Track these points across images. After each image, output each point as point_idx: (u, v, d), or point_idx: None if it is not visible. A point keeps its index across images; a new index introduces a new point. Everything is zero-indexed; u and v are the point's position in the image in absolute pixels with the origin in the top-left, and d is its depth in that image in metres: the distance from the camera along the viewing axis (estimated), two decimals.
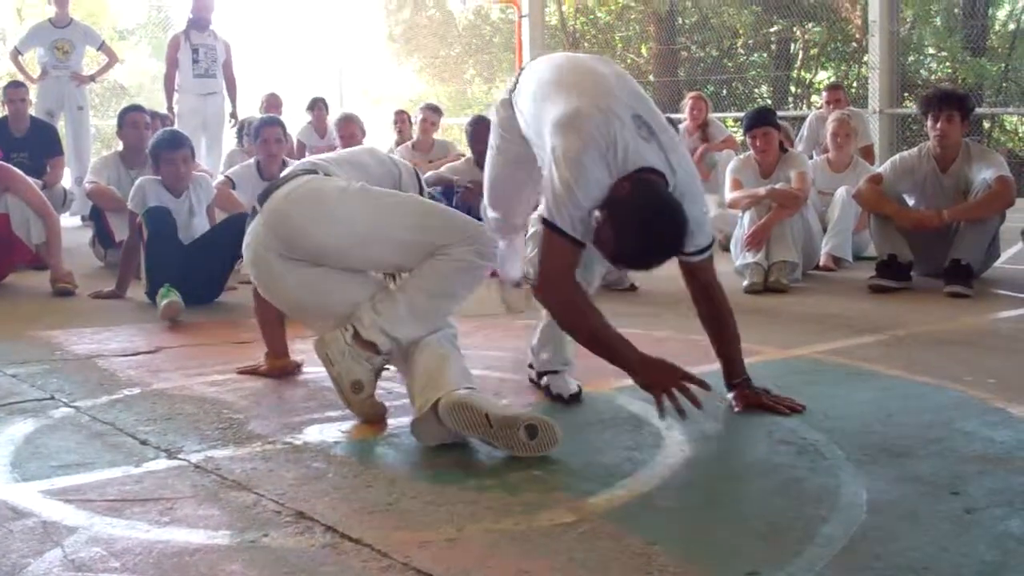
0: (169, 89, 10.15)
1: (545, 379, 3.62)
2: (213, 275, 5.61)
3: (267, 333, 3.82)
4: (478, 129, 7.24)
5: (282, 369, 3.85)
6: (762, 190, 6.26)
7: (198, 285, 5.43)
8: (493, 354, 4.27)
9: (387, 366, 3.33)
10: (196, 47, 9.97)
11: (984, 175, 5.86)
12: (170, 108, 10.05)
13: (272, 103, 10.96)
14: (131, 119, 7.22)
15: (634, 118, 3.16)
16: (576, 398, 3.54)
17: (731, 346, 3.50)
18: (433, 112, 9.79)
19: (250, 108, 11.06)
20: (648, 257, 3.15)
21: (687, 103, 10.28)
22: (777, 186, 6.30)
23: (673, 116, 10.02)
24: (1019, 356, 4.27)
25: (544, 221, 3.15)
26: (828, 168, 7.29)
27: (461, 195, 7.01)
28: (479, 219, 6.81)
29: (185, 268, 5.33)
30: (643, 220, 3.05)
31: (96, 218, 7.22)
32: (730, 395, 3.46)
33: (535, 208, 3.75)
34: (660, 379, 3.16)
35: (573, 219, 3.09)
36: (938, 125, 5.95)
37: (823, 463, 2.87)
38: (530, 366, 3.75)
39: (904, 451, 2.96)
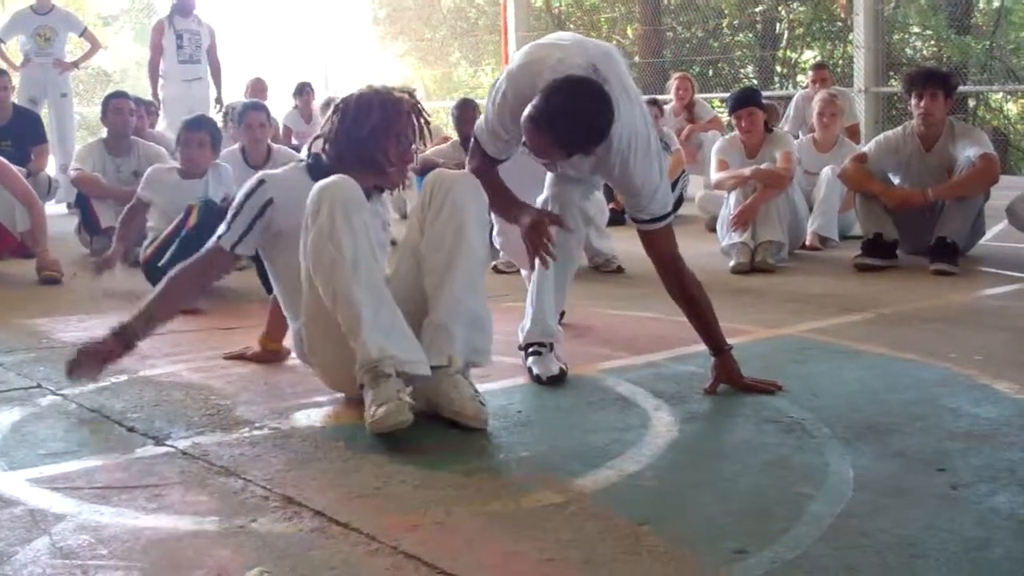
0: (153, 75, 10.11)
1: (529, 360, 3.62)
2: None
3: (275, 313, 3.76)
4: (464, 111, 7.24)
5: (275, 353, 3.84)
6: (747, 171, 6.27)
7: None
8: None
9: None
10: (180, 33, 9.92)
11: (968, 153, 5.87)
12: (155, 94, 10.02)
13: (257, 88, 10.92)
14: (115, 105, 7.19)
15: (592, 68, 3.19)
16: (556, 380, 3.53)
17: (704, 317, 3.49)
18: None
19: (235, 93, 11.03)
20: (557, 119, 3.08)
21: (673, 83, 10.25)
22: (763, 166, 6.30)
23: (659, 97, 10.00)
24: (1004, 333, 4.28)
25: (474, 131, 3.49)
26: (814, 148, 7.29)
27: None
28: None
29: None
30: (557, 85, 3.10)
31: (82, 205, 7.20)
32: (712, 365, 3.46)
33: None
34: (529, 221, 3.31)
35: (495, 136, 3.40)
36: (922, 103, 5.96)
37: (810, 441, 2.88)
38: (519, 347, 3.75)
39: (890, 428, 2.97)
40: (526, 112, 3.12)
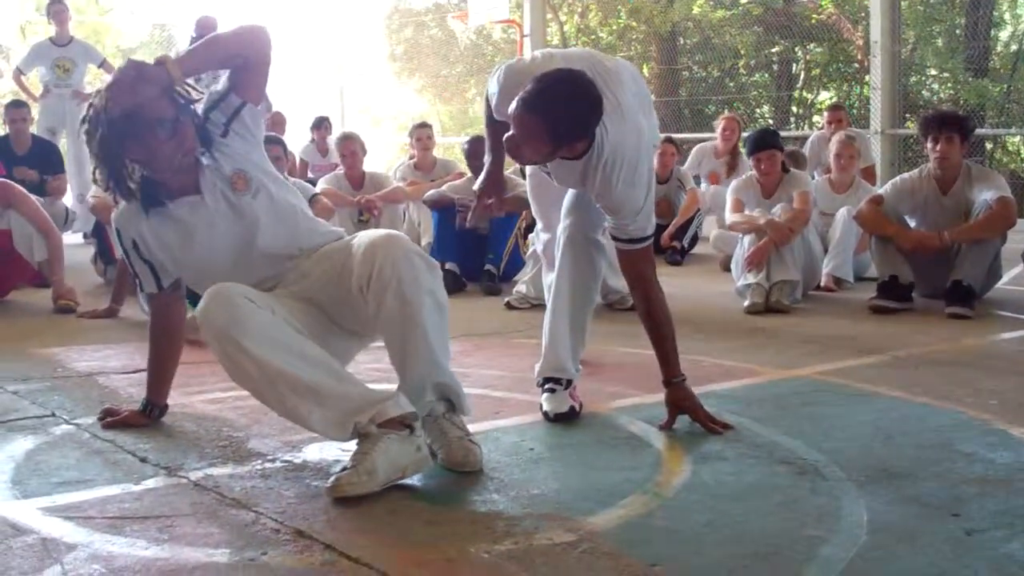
0: None
1: (543, 396, 3.62)
2: None
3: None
4: (476, 147, 7.26)
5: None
6: (760, 219, 6.27)
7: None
8: (493, 372, 4.27)
9: None
10: None
11: (985, 196, 5.86)
12: None
13: (276, 122, 10.97)
14: None
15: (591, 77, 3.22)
16: (565, 418, 3.52)
17: (663, 344, 3.51)
18: (426, 129, 9.65)
19: None
20: (546, 102, 3.09)
21: (720, 123, 9.70)
22: (777, 208, 6.30)
23: (704, 136, 9.78)
24: (1020, 378, 4.26)
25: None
26: (830, 189, 7.30)
27: (462, 215, 7.01)
28: (480, 238, 6.86)
29: None
30: (549, 74, 3.16)
31: (98, 235, 7.23)
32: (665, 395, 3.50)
33: None
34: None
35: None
36: (938, 147, 5.96)
37: (823, 484, 2.86)
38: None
39: (904, 472, 2.96)
40: (516, 97, 3.15)
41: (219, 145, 3.16)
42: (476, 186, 3.76)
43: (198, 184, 3.14)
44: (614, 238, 3.50)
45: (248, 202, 3.15)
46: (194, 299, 3.10)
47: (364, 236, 3.03)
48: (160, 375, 3.50)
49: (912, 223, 6.18)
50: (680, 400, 3.46)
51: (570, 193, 3.68)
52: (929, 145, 6.04)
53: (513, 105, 3.15)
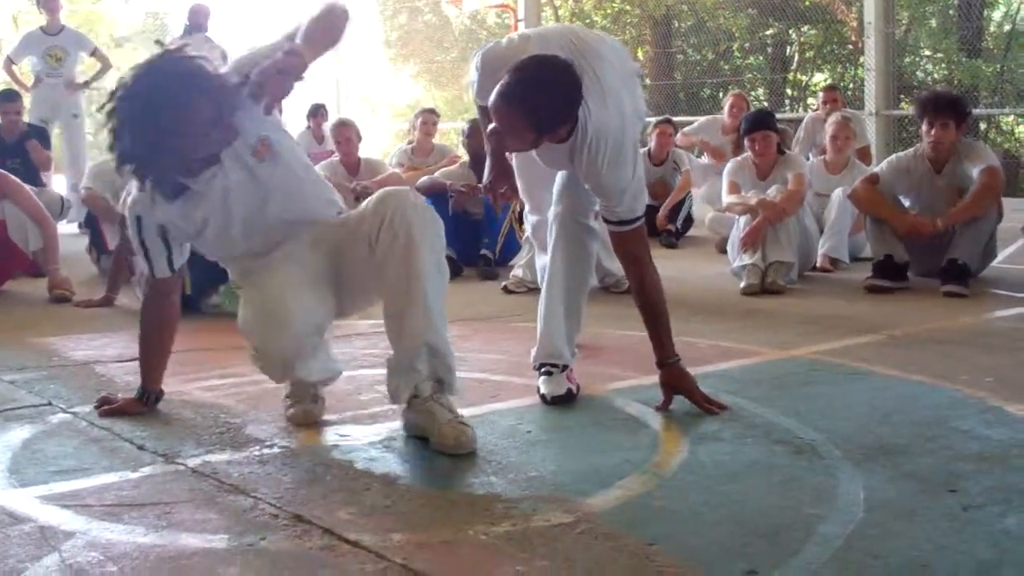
0: None
1: (540, 379, 3.61)
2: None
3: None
4: (474, 127, 7.25)
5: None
6: (753, 199, 6.27)
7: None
8: (491, 356, 4.28)
9: None
10: None
11: (975, 172, 5.88)
12: None
13: None
14: None
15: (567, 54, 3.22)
16: (562, 400, 3.52)
17: (656, 324, 3.50)
18: (432, 114, 9.76)
19: None
20: (523, 93, 3.11)
21: (728, 99, 9.84)
22: (771, 189, 6.30)
23: (718, 116, 9.78)
24: (1016, 355, 4.27)
25: None
26: (825, 170, 7.30)
27: (455, 200, 7.01)
28: (475, 223, 6.84)
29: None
30: (524, 62, 3.16)
31: (91, 225, 7.23)
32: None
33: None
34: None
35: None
36: (932, 131, 5.95)
37: (820, 462, 2.87)
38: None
39: (901, 450, 2.96)
40: (494, 91, 3.13)
41: (248, 108, 3.08)
42: (484, 181, 3.72)
43: (219, 154, 3.08)
44: (605, 220, 3.50)
45: (267, 169, 3.12)
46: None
47: (375, 195, 3.11)
48: (155, 363, 3.50)
49: (907, 203, 6.18)
50: (674, 381, 3.45)
51: (559, 176, 3.66)
52: (924, 128, 6.04)
53: (492, 98, 3.14)
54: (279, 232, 3.18)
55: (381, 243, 2.98)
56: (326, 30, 3.16)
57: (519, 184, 4.00)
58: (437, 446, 2.98)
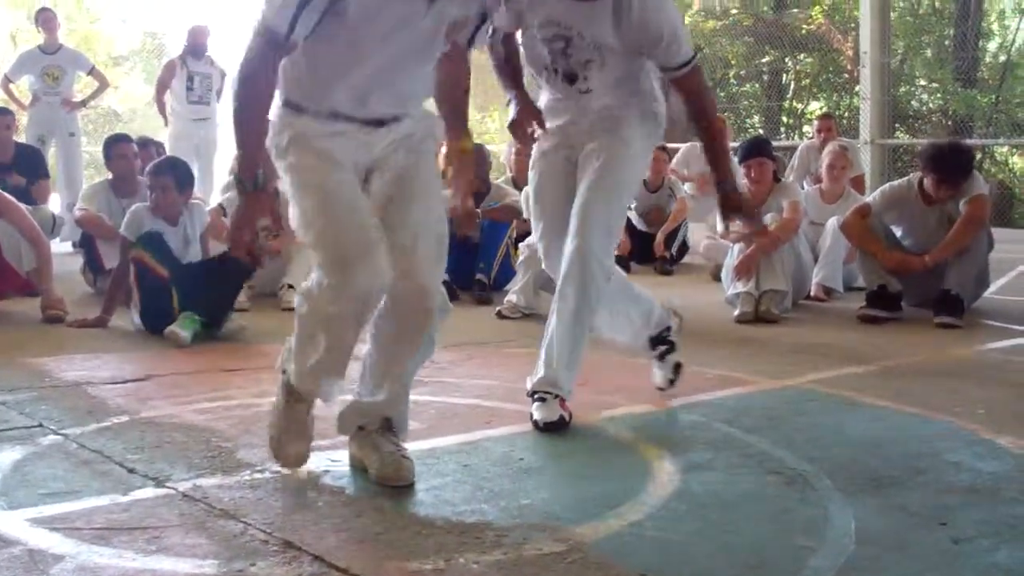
0: (162, 111, 10.23)
1: (533, 405, 3.61)
2: (213, 307, 5.43)
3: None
4: (477, 155, 7.25)
5: None
6: (748, 227, 6.26)
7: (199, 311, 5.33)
8: (485, 383, 4.27)
9: None
10: (192, 75, 10.03)
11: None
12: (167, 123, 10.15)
13: None
14: (117, 151, 7.21)
15: None
16: (555, 427, 3.50)
17: (712, 151, 3.80)
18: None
19: None
20: None
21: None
22: (766, 217, 6.31)
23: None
24: (1008, 387, 4.27)
25: None
26: (821, 199, 7.32)
27: (457, 227, 7.00)
28: (472, 247, 6.83)
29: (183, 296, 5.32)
30: None
31: (86, 245, 7.21)
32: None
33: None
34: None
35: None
36: (940, 190, 5.89)
37: (812, 493, 2.87)
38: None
39: (893, 482, 2.96)
40: None
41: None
42: (510, 118, 3.83)
43: None
44: (665, 71, 3.62)
45: (439, 46, 2.86)
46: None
47: (424, 231, 2.89)
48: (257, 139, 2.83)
49: (899, 233, 6.19)
50: (728, 202, 3.77)
51: (576, 207, 3.64)
52: (930, 180, 5.96)
53: None
54: (389, 100, 2.87)
55: (400, 292, 2.86)
56: None
57: (532, 205, 3.94)
58: (377, 476, 2.94)
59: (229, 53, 15.96)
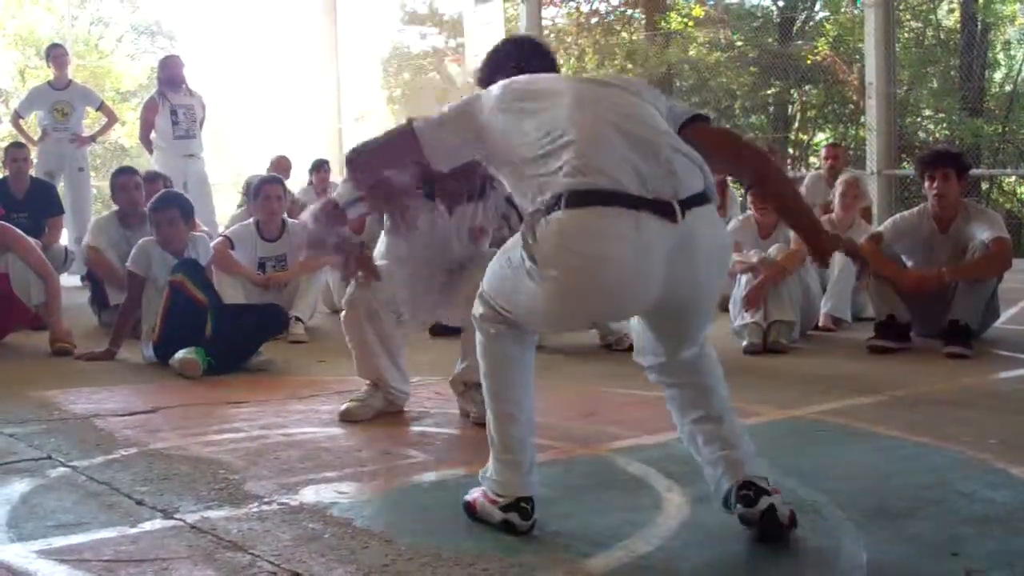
0: (148, 147, 10.15)
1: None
2: (235, 347, 5.43)
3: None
4: None
5: None
6: (755, 258, 6.27)
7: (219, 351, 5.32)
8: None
9: None
10: (175, 108, 9.88)
11: (983, 236, 5.87)
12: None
13: (281, 166, 10.96)
14: (120, 183, 7.24)
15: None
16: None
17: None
18: None
19: (259, 169, 11.06)
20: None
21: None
22: (772, 248, 6.30)
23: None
24: (1020, 417, 4.25)
25: None
26: (831, 228, 7.30)
27: None
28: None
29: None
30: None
31: (93, 279, 7.24)
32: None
33: None
34: None
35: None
36: (934, 184, 5.97)
37: (823, 524, 2.85)
38: None
39: (904, 512, 2.94)
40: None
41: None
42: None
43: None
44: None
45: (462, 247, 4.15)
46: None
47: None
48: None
49: (909, 263, 6.18)
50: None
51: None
52: (926, 184, 6.06)
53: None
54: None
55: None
56: None
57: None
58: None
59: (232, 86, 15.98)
